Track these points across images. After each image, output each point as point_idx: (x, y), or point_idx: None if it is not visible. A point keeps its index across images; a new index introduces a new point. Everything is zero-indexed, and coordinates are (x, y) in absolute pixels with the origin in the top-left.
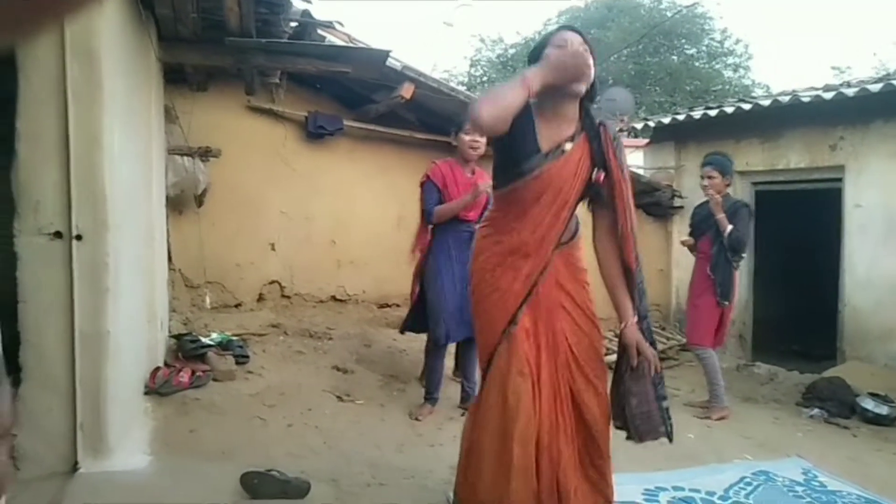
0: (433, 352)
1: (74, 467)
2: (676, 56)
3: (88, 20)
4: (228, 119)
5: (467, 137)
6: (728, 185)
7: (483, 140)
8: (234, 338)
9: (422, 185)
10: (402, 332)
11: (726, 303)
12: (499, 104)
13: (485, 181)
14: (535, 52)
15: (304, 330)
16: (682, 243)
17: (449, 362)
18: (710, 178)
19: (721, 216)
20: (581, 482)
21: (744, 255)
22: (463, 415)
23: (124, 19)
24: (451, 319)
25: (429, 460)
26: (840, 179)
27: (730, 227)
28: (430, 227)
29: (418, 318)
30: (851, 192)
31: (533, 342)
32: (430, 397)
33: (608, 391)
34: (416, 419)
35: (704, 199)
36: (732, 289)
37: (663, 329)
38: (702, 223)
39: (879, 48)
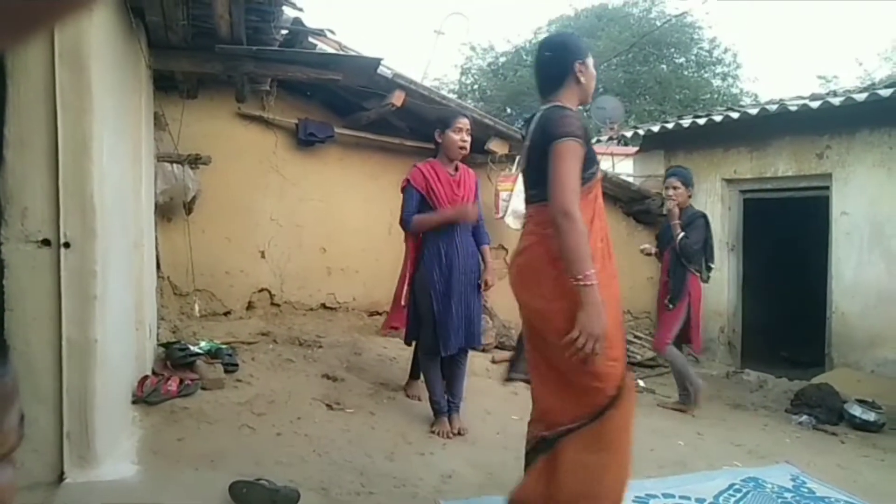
0: (429, 362)
1: (61, 477)
2: (666, 65)
3: (78, 27)
4: (218, 126)
5: (456, 136)
6: (690, 196)
7: (469, 140)
8: (224, 346)
9: (402, 189)
10: (407, 343)
11: (671, 305)
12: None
13: (470, 178)
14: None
15: (293, 338)
16: (642, 251)
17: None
18: (674, 188)
19: (675, 223)
20: None
21: (711, 264)
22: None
23: (114, 26)
24: (445, 331)
25: (419, 468)
26: (827, 187)
27: (681, 234)
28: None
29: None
30: (838, 199)
31: None
32: (440, 408)
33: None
34: (449, 436)
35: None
36: (682, 292)
37: (652, 336)
38: (666, 233)
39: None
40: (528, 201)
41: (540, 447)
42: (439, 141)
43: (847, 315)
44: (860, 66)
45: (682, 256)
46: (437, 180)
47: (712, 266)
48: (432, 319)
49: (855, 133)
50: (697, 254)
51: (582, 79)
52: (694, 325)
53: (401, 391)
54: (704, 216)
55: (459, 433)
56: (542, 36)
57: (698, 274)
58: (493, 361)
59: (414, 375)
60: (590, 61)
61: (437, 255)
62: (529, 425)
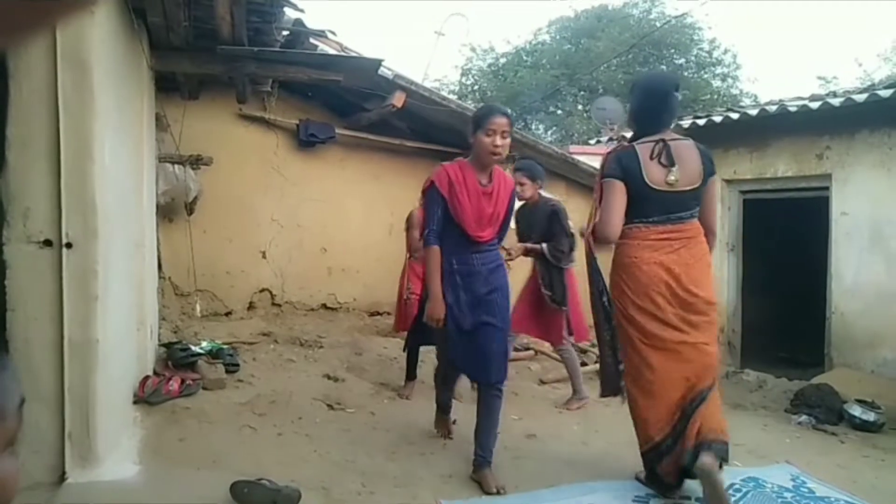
0: (449, 371)
1: (62, 477)
2: (665, 66)
3: (80, 28)
4: (220, 127)
5: (487, 139)
6: (540, 188)
7: (507, 143)
8: (225, 346)
9: (424, 192)
10: (403, 350)
11: (563, 307)
12: None
13: (506, 190)
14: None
15: (294, 338)
16: (510, 256)
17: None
18: (521, 184)
19: (515, 258)
20: None
21: (574, 252)
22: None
23: (116, 27)
24: (460, 363)
25: (420, 468)
26: (827, 188)
27: (545, 246)
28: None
29: (425, 334)
30: (838, 200)
31: None
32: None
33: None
34: (449, 437)
35: (521, 202)
36: (565, 292)
37: None
38: (527, 229)
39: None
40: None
41: (699, 398)
42: (471, 142)
43: (847, 315)
44: (860, 66)
45: (555, 260)
46: (465, 188)
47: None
48: (446, 346)
49: (855, 134)
50: (567, 253)
51: None
52: (576, 316)
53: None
54: (556, 210)
55: (499, 492)
56: (542, 37)
57: (571, 265)
58: (542, 382)
59: (410, 376)
60: None
61: (450, 274)
62: (688, 387)
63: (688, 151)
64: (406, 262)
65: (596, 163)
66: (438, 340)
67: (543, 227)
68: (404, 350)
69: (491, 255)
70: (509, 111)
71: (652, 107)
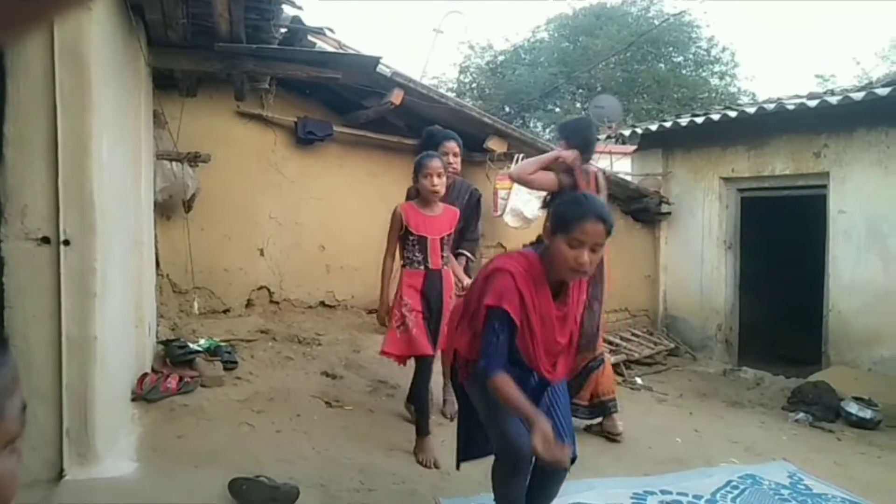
0: (514, 468)
1: (60, 474)
2: (664, 64)
3: (78, 25)
4: (218, 124)
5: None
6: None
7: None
8: (223, 343)
9: (491, 309)
10: (407, 403)
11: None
12: None
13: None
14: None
15: (292, 335)
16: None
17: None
18: (454, 154)
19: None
20: None
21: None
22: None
23: (114, 24)
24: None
25: (418, 465)
26: (824, 186)
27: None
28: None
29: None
30: (835, 198)
31: None
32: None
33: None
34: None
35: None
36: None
37: (651, 334)
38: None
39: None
40: None
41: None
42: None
43: (844, 313)
44: (858, 65)
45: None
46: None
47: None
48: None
49: (852, 132)
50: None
51: None
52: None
53: (399, 388)
54: (478, 196)
55: None
56: (540, 35)
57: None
58: None
59: (412, 399)
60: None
61: None
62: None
63: None
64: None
65: (594, 160)
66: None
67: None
68: (408, 402)
69: None
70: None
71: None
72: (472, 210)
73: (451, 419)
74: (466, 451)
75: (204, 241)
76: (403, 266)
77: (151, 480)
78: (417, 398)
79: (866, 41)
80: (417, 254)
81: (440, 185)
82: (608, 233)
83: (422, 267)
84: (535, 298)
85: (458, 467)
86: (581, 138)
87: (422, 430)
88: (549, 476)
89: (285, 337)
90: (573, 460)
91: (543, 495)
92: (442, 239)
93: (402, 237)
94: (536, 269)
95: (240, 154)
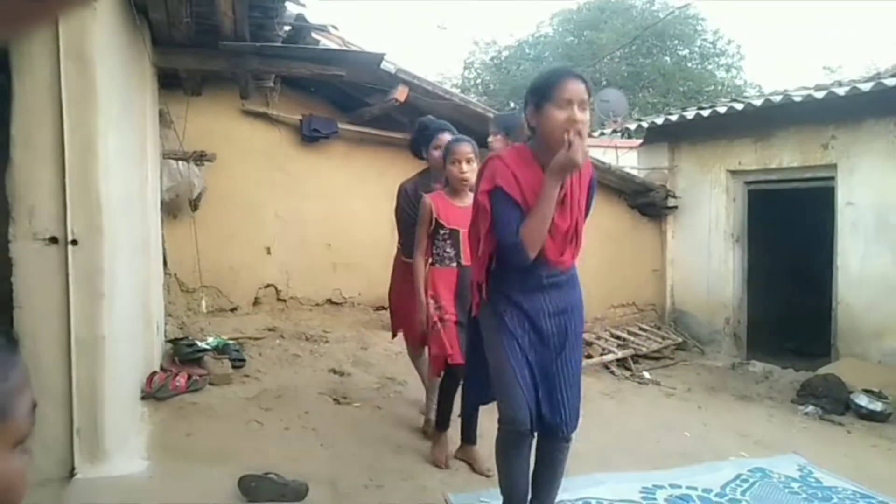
0: (511, 440)
1: (71, 473)
2: (669, 57)
3: (82, 25)
4: (223, 123)
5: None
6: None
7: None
8: (231, 342)
9: (488, 193)
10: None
11: None
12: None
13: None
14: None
15: (300, 333)
16: None
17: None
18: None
19: None
20: None
21: None
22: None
23: (118, 24)
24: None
25: (426, 461)
26: (832, 178)
27: None
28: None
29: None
30: (843, 190)
31: None
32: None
33: None
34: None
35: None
36: None
37: (658, 329)
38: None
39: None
40: None
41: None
42: (531, 122)
43: (853, 305)
44: (866, 55)
45: None
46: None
47: None
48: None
49: (860, 123)
50: None
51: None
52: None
53: (406, 385)
54: None
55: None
56: (545, 30)
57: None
58: None
59: (443, 425)
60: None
61: (513, 296)
62: None
63: None
64: (427, 271)
65: (600, 155)
66: (500, 388)
67: None
68: (440, 397)
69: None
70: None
71: None
72: None
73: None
74: (473, 397)
75: (211, 240)
76: (433, 264)
77: (161, 478)
78: (445, 401)
79: (875, 32)
80: (449, 249)
81: (470, 171)
82: (589, 91)
83: (454, 263)
84: (530, 178)
85: (461, 414)
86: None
87: (442, 425)
88: (552, 451)
89: (293, 334)
90: (569, 440)
91: (551, 475)
92: None
93: (432, 232)
94: (525, 153)
95: (245, 153)
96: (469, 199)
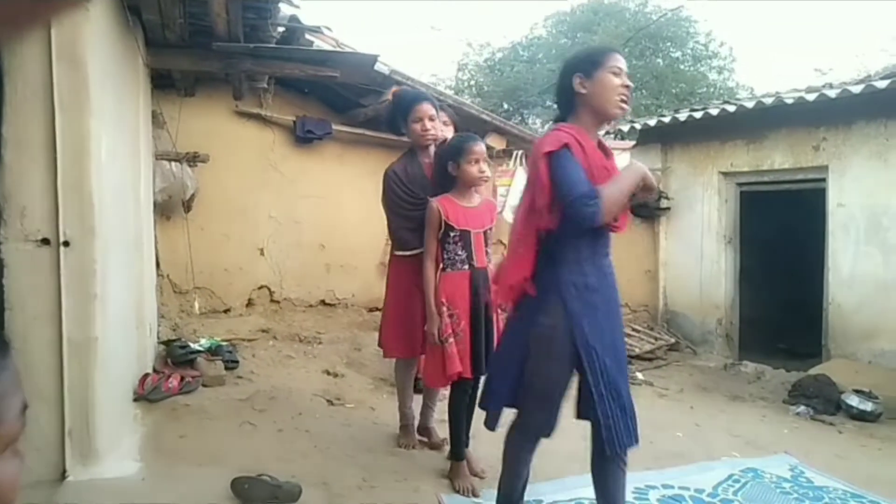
0: (521, 445)
1: (63, 475)
2: (662, 59)
3: (75, 26)
4: (216, 124)
5: (616, 79)
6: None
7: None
8: (224, 343)
9: (548, 155)
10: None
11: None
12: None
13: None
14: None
15: (293, 334)
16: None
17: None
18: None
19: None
20: None
21: None
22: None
23: (111, 25)
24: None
25: (420, 462)
26: (823, 179)
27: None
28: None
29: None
30: (834, 191)
31: None
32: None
33: None
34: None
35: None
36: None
37: (651, 329)
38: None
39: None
40: None
41: None
42: (583, 92)
43: (844, 306)
44: (857, 58)
45: None
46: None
47: None
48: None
49: (851, 125)
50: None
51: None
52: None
53: None
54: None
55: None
56: (538, 31)
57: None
58: None
59: (457, 454)
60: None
61: (582, 282)
62: None
63: None
64: (437, 276)
65: None
66: (531, 393)
67: None
68: (452, 418)
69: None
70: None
71: None
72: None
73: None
74: (493, 402)
75: (204, 241)
76: (443, 269)
77: (154, 480)
78: (456, 422)
79: (865, 35)
80: (460, 251)
81: (488, 170)
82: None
83: (466, 266)
84: (591, 149)
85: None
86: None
87: (458, 455)
88: (612, 469)
89: (286, 336)
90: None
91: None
92: (485, 233)
93: (441, 236)
94: (575, 128)
95: (239, 153)
96: (476, 199)
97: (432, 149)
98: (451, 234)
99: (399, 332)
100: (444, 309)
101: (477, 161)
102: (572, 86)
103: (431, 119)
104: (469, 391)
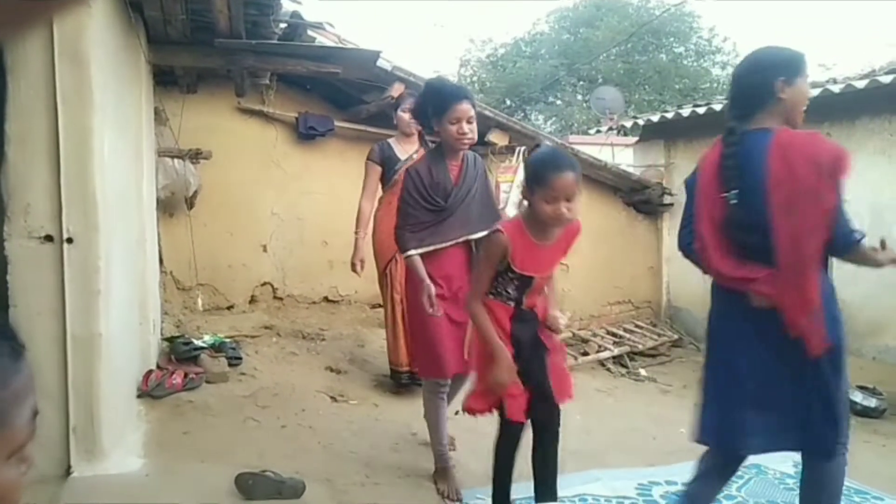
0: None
1: (68, 471)
2: (665, 54)
3: (77, 23)
4: (219, 121)
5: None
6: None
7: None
8: (227, 339)
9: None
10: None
11: None
12: None
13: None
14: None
15: (296, 331)
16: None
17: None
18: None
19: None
20: None
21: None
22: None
23: (113, 22)
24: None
25: (424, 458)
26: None
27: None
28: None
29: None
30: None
31: None
32: None
33: None
34: None
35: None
36: None
37: (654, 326)
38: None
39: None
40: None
41: None
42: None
43: (848, 302)
44: (861, 53)
45: None
46: None
47: None
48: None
49: (855, 120)
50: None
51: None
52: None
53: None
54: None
55: None
56: (540, 27)
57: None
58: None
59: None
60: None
61: (739, 306)
62: None
63: None
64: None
65: (596, 152)
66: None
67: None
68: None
69: None
70: None
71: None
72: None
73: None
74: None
75: (207, 238)
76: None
77: (158, 476)
78: (504, 475)
79: (870, 30)
80: (511, 290)
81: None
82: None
83: (511, 303)
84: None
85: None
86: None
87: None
88: (545, 441)
89: (289, 332)
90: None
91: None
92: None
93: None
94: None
95: (241, 150)
96: (556, 233)
97: (462, 153)
98: (509, 275)
99: (427, 349)
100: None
101: (558, 199)
102: (771, 87)
103: (470, 122)
104: (519, 437)
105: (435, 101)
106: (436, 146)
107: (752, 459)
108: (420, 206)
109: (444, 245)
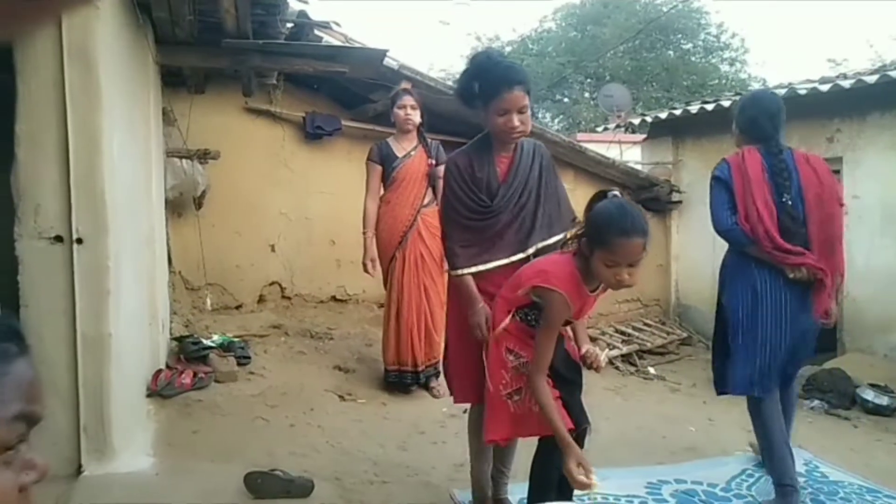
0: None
1: (78, 470)
2: (673, 51)
3: (86, 24)
4: (226, 121)
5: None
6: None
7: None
8: (236, 339)
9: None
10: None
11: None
12: None
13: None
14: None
15: (305, 330)
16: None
17: None
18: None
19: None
20: None
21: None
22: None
23: (121, 23)
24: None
25: (432, 457)
26: (838, 171)
27: None
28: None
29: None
30: (849, 183)
31: None
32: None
33: None
34: None
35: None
36: None
37: (663, 324)
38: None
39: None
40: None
41: None
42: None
43: (859, 300)
44: (871, 47)
45: None
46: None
47: None
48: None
49: (866, 116)
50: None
51: None
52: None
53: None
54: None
55: None
56: (547, 25)
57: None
58: None
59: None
60: None
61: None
62: None
63: None
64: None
65: (604, 150)
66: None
67: None
68: None
69: None
70: None
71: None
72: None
73: None
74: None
75: (215, 238)
76: (512, 315)
77: (168, 475)
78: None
79: (880, 24)
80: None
81: (636, 275)
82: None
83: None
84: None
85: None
86: None
87: None
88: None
89: (297, 332)
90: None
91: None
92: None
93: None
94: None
95: (249, 150)
96: (597, 284)
97: (513, 146)
98: None
99: (467, 373)
100: (511, 357)
101: (618, 266)
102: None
103: (522, 111)
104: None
105: (485, 86)
106: (483, 134)
107: (761, 458)
108: (463, 203)
109: (499, 264)
